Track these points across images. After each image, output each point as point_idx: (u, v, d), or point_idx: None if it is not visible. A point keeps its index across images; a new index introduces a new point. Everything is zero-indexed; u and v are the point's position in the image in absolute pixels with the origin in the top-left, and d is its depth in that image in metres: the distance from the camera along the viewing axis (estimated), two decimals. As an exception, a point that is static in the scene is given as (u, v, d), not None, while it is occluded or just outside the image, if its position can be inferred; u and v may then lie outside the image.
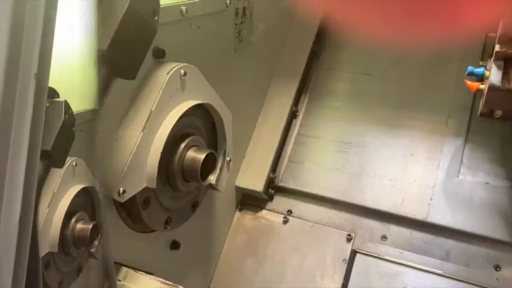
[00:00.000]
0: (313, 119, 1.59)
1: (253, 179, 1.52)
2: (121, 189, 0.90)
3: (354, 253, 1.40)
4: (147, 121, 0.93)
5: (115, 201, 0.96)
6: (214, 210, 1.42)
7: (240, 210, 1.55)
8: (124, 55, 0.70)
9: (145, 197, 1.00)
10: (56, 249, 0.95)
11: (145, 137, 0.93)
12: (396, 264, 1.36)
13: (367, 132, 1.52)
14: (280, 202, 1.54)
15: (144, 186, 0.95)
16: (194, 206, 1.20)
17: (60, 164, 0.79)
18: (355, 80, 1.61)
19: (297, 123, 1.60)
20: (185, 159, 1.05)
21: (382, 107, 1.54)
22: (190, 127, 1.09)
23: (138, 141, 0.92)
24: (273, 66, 1.61)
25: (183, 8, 1.04)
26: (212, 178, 1.14)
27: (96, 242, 1.08)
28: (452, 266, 1.31)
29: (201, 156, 1.05)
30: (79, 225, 1.07)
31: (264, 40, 1.49)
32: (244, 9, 1.33)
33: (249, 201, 1.56)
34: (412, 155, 1.46)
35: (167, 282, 0.98)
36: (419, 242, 1.37)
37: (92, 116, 0.82)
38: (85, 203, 0.95)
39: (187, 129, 1.08)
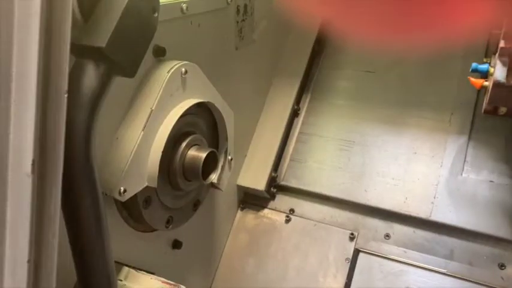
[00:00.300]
0: (315, 118, 1.58)
1: (255, 177, 1.51)
2: (122, 188, 0.89)
3: (357, 252, 1.39)
4: (147, 120, 0.92)
5: (116, 201, 0.95)
6: (216, 209, 1.41)
7: (242, 209, 1.55)
8: (123, 53, 0.69)
9: (147, 196, 0.99)
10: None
11: (146, 136, 0.93)
12: (400, 263, 1.35)
13: (369, 130, 1.51)
14: (282, 201, 1.53)
15: (145, 186, 0.95)
16: (196, 205, 1.20)
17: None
18: (358, 78, 1.60)
19: (299, 121, 1.59)
20: (186, 158, 1.04)
21: (384, 105, 1.53)
22: (192, 126, 1.08)
23: (139, 140, 0.91)
24: (275, 64, 1.60)
25: (184, 5, 1.03)
26: (213, 177, 1.13)
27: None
28: (456, 265, 1.30)
29: (202, 155, 1.04)
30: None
31: (266, 38, 1.48)
32: (245, 6, 1.32)
33: (251, 200, 1.55)
34: (415, 153, 1.45)
35: (169, 281, 0.97)
36: (422, 240, 1.36)
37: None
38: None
39: (188, 128, 1.07)
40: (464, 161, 1.39)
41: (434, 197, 1.38)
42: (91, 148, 0.65)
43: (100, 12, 0.66)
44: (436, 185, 1.39)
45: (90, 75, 0.64)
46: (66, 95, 0.53)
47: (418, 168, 1.43)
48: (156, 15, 0.76)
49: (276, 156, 1.52)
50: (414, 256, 1.35)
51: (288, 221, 1.49)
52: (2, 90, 0.51)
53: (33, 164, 0.52)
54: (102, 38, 0.65)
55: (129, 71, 0.73)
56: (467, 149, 1.40)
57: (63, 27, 0.53)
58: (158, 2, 0.77)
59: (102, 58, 0.66)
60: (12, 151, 0.52)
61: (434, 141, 1.44)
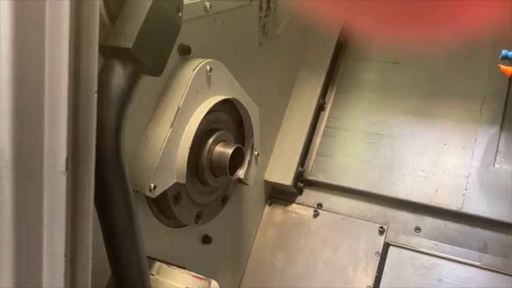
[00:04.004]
0: (341, 111, 1.57)
1: (281, 172, 1.51)
2: (152, 185, 0.91)
3: (387, 246, 1.38)
4: (175, 118, 0.94)
5: (147, 198, 0.97)
6: (243, 205, 1.43)
7: (270, 204, 1.56)
8: (149, 52, 0.70)
9: (176, 193, 1.02)
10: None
11: (174, 133, 0.94)
12: (431, 256, 1.33)
13: (397, 122, 1.49)
14: (310, 195, 1.53)
15: (174, 182, 0.97)
16: (224, 200, 1.21)
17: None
18: (383, 70, 1.58)
19: (325, 115, 1.58)
20: (213, 154, 1.06)
21: (412, 96, 1.51)
22: (218, 122, 1.09)
23: (167, 137, 0.93)
24: (299, 58, 1.60)
25: (207, 3, 1.05)
26: (240, 172, 1.14)
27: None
28: (490, 258, 1.28)
29: (229, 150, 1.05)
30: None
31: (289, 32, 1.48)
32: (268, 2, 1.33)
33: (279, 195, 1.55)
34: (445, 144, 1.42)
35: (200, 276, 0.99)
36: (454, 233, 1.34)
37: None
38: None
39: (215, 124, 1.08)
40: (497, 151, 1.35)
41: (466, 189, 1.35)
42: (121, 145, 0.67)
43: (126, 14, 0.68)
44: (467, 176, 1.36)
45: (119, 75, 0.66)
46: (96, 95, 0.55)
47: (449, 160, 1.40)
48: (180, 14, 0.77)
49: (303, 151, 1.52)
50: (446, 249, 1.33)
51: (316, 215, 1.49)
52: (35, 92, 0.54)
53: (67, 162, 0.54)
54: (128, 39, 0.66)
55: (156, 70, 0.74)
56: (499, 139, 1.36)
57: (92, 30, 0.54)
58: (182, 2, 0.78)
59: (130, 58, 0.68)
60: (47, 150, 0.55)
61: (465, 132, 1.41)
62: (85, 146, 0.56)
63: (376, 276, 1.35)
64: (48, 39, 0.53)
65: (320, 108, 1.58)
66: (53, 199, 0.56)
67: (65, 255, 0.56)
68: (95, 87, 0.55)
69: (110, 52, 0.68)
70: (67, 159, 0.54)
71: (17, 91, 0.52)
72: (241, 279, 1.47)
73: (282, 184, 1.50)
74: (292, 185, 1.49)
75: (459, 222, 1.34)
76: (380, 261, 1.36)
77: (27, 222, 0.55)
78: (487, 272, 1.27)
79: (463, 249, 1.31)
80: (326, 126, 1.57)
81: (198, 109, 1.00)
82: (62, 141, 0.54)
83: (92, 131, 0.56)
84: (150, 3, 0.67)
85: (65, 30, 0.53)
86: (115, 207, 0.68)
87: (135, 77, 0.69)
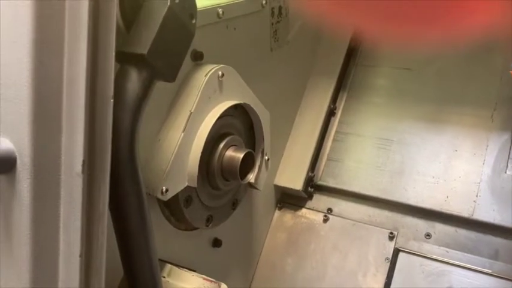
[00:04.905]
0: (352, 116, 1.58)
1: (292, 177, 1.52)
2: (164, 188, 0.92)
3: (397, 251, 1.37)
4: (187, 122, 0.96)
5: (158, 200, 0.99)
6: (254, 209, 1.43)
7: (280, 208, 1.56)
8: (164, 58, 0.72)
9: (187, 196, 1.03)
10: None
11: (186, 138, 0.96)
12: (441, 263, 1.32)
13: (408, 128, 1.49)
14: (320, 200, 1.53)
15: (185, 185, 0.98)
16: (234, 204, 1.22)
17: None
18: (394, 76, 1.58)
19: (336, 120, 1.59)
20: (224, 158, 1.07)
21: (423, 102, 1.51)
22: (229, 127, 1.11)
23: (179, 141, 0.94)
24: (310, 63, 1.61)
25: (220, 10, 1.06)
26: (251, 177, 1.15)
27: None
28: (501, 265, 1.27)
29: (240, 155, 1.07)
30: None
31: (300, 38, 1.49)
32: (280, 8, 1.34)
33: (289, 199, 1.56)
34: (456, 150, 1.41)
35: (210, 279, 1.00)
36: (465, 240, 1.33)
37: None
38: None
39: (226, 129, 1.10)
40: (508, 158, 1.34)
41: (477, 196, 1.34)
42: (135, 149, 0.69)
43: (141, 21, 0.70)
44: (479, 183, 1.35)
45: (134, 81, 0.68)
46: (112, 100, 0.57)
47: (460, 166, 1.40)
48: (194, 21, 0.79)
49: (313, 156, 1.53)
50: (457, 256, 1.32)
51: (326, 220, 1.49)
52: (54, 97, 0.55)
53: (83, 165, 0.56)
54: (144, 46, 0.68)
55: (170, 76, 0.76)
56: (511, 146, 1.35)
57: (109, 37, 0.56)
58: (196, 9, 0.80)
59: (145, 64, 0.69)
60: (64, 153, 0.57)
61: (476, 139, 1.40)
62: (101, 149, 0.58)
63: (386, 282, 1.35)
64: (67, 45, 0.55)
65: (331, 113, 1.59)
66: (70, 201, 0.57)
67: (81, 256, 0.58)
68: (111, 92, 0.57)
69: (125, 58, 0.70)
70: (83, 162, 0.56)
71: (37, 97, 0.54)
72: (250, 283, 1.48)
73: (292, 189, 1.51)
74: (302, 190, 1.49)
75: (470, 229, 1.34)
76: (390, 267, 1.36)
77: (44, 223, 0.57)
78: (498, 279, 1.26)
79: (474, 256, 1.30)
80: (336, 132, 1.57)
81: (210, 114, 1.02)
82: (79, 144, 0.55)
83: (108, 134, 0.58)
84: (165, 11, 0.69)
85: (83, 36, 0.54)
86: (129, 209, 0.70)
87: (149, 83, 0.70)
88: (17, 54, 0.53)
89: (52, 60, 0.55)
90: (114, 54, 0.57)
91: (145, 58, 0.68)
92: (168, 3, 0.70)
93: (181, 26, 0.74)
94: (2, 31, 0.55)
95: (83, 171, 0.56)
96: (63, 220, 0.58)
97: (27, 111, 0.53)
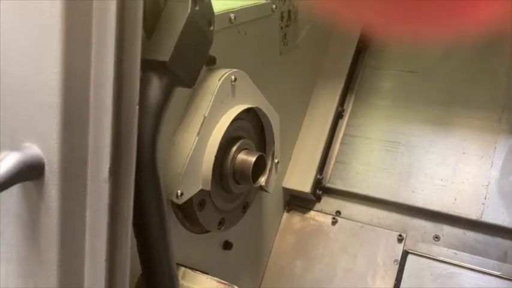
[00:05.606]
0: (359, 119, 1.59)
1: (300, 180, 1.53)
2: (179, 191, 0.93)
3: (405, 254, 1.38)
4: (201, 126, 0.96)
5: (172, 204, 1.00)
6: (263, 212, 1.44)
7: (288, 211, 1.57)
8: (184, 65, 0.73)
9: (201, 199, 1.04)
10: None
11: (200, 141, 0.97)
12: (450, 265, 1.33)
13: (416, 131, 1.50)
14: (328, 203, 1.54)
15: (200, 189, 0.99)
16: (245, 207, 1.23)
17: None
18: (402, 78, 1.59)
19: (343, 123, 1.60)
20: (236, 162, 1.08)
21: (430, 104, 1.52)
22: (241, 130, 1.12)
23: (194, 145, 0.95)
24: (318, 66, 1.62)
25: (232, 15, 1.07)
26: (262, 180, 1.16)
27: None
28: (510, 267, 1.28)
29: (252, 159, 1.07)
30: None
31: (309, 41, 1.50)
32: (289, 12, 1.35)
33: (297, 202, 1.57)
34: (464, 153, 1.42)
35: (223, 281, 1.01)
36: (474, 242, 1.34)
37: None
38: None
39: (238, 132, 1.10)
40: (517, 160, 1.36)
41: (485, 198, 1.35)
42: (156, 156, 0.69)
43: (162, 28, 0.71)
44: (487, 185, 1.36)
45: (155, 87, 0.69)
46: (137, 107, 0.58)
47: (468, 169, 1.41)
48: (212, 28, 0.80)
49: (321, 159, 1.54)
50: (465, 258, 1.33)
51: (334, 222, 1.50)
52: (81, 103, 0.56)
53: (109, 171, 0.57)
54: (165, 53, 0.69)
55: (189, 82, 0.77)
56: (519, 148, 1.36)
57: (134, 44, 0.57)
58: (213, 15, 0.81)
59: (166, 71, 0.70)
60: (91, 160, 0.57)
61: (484, 141, 1.41)
62: (126, 155, 0.58)
63: (395, 284, 1.35)
64: (94, 52, 0.56)
65: (338, 116, 1.60)
66: (96, 206, 0.58)
67: (106, 260, 0.58)
68: (137, 98, 0.58)
69: (146, 65, 0.70)
70: (110, 168, 0.57)
71: (65, 103, 0.55)
72: (259, 286, 1.49)
73: (300, 191, 1.51)
74: (310, 192, 1.50)
75: (478, 231, 1.35)
76: (399, 270, 1.37)
77: (71, 228, 0.58)
78: (507, 281, 1.27)
79: (483, 258, 1.31)
80: (344, 134, 1.58)
81: (223, 118, 1.03)
82: (106, 150, 0.56)
83: (133, 141, 0.59)
84: (185, 18, 0.70)
85: (110, 44, 0.55)
86: (150, 214, 0.71)
87: (170, 89, 0.71)
88: (47, 62, 0.54)
89: (80, 66, 0.55)
90: (139, 60, 0.58)
91: (167, 65, 0.69)
92: (189, 11, 0.71)
93: (200, 33, 0.75)
94: (32, 40, 0.56)
95: (109, 178, 0.57)
96: (89, 225, 0.59)
97: (56, 118, 0.54)
